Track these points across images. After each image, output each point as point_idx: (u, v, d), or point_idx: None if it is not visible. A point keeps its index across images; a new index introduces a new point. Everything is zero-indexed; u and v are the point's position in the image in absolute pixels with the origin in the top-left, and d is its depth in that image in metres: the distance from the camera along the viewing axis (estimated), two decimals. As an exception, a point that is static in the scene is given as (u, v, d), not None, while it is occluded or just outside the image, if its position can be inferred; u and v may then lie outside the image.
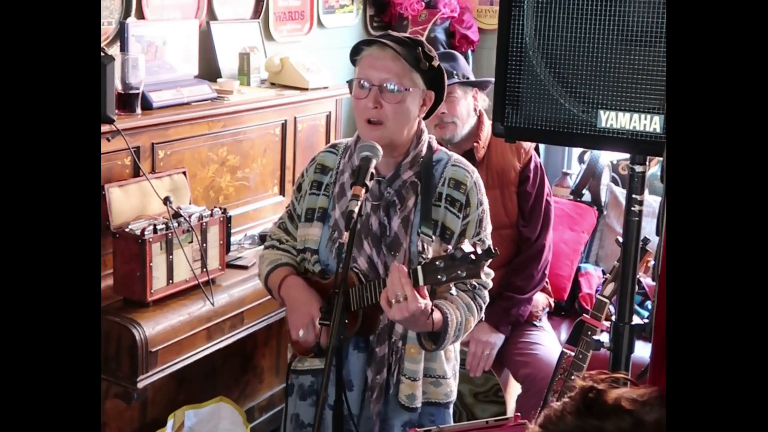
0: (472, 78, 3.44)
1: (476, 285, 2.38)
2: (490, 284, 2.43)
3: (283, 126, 3.74)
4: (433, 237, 2.32)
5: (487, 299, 2.43)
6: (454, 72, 3.31)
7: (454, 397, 2.50)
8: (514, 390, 3.49)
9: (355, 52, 2.36)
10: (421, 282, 2.08)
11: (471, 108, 3.36)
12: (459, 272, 2.05)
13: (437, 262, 2.07)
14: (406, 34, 2.38)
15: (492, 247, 2.07)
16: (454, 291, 2.29)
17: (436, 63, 2.35)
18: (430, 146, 2.42)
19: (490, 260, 2.06)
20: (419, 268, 2.09)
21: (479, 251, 2.03)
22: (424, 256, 2.27)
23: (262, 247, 2.77)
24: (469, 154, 3.32)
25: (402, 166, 2.35)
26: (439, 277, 2.06)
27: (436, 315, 2.23)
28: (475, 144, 3.34)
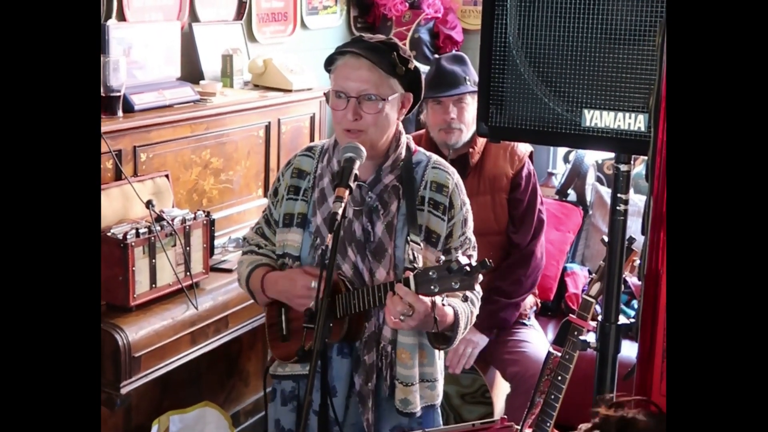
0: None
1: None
2: (480, 277, 2.41)
3: (267, 128, 3.72)
4: (421, 243, 2.30)
5: (480, 291, 2.44)
6: (466, 77, 3.29)
7: (441, 396, 2.49)
8: (501, 390, 3.48)
9: (329, 63, 2.34)
10: (412, 290, 2.08)
11: (475, 114, 3.34)
12: (453, 284, 2.05)
13: (431, 273, 2.06)
14: (380, 38, 2.34)
15: (487, 260, 2.06)
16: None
17: (412, 65, 2.33)
18: (408, 148, 2.40)
19: (483, 271, 2.06)
20: (411, 277, 2.08)
21: (474, 263, 2.03)
22: (415, 264, 2.25)
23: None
24: (464, 159, 3.31)
25: (383, 170, 2.33)
26: (432, 287, 2.06)
27: (448, 310, 2.23)
28: (470, 150, 3.33)
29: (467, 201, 2.41)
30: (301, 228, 2.39)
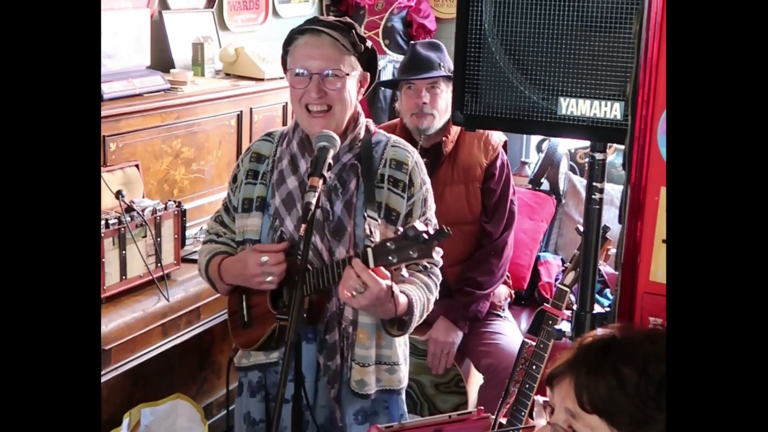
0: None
1: (428, 264, 2.36)
2: (440, 262, 2.40)
3: (239, 117, 3.68)
4: (379, 219, 2.28)
5: (440, 276, 2.42)
6: (441, 63, 3.28)
7: (406, 383, 2.47)
8: (475, 380, 3.48)
9: (288, 43, 2.32)
10: (371, 264, 2.05)
11: (449, 101, 3.33)
12: (410, 253, 2.02)
13: (388, 244, 2.04)
14: (336, 18, 2.35)
15: (444, 228, 2.04)
16: (405, 273, 2.25)
17: (369, 44, 2.34)
18: (368, 129, 2.39)
19: (441, 240, 2.03)
20: (369, 250, 2.06)
21: (431, 231, 2.00)
22: (372, 239, 2.24)
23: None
24: (437, 148, 3.30)
25: (341, 149, 2.31)
26: (390, 258, 2.03)
27: (402, 298, 2.20)
28: (444, 138, 3.31)
29: (428, 181, 2.40)
30: (261, 211, 2.37)
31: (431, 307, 2.37)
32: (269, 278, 2.24)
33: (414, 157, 2.38)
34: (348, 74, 2.27)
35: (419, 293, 2.28)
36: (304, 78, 2.26)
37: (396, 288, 2.17)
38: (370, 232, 2.26)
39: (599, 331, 1.33)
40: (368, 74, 2.37)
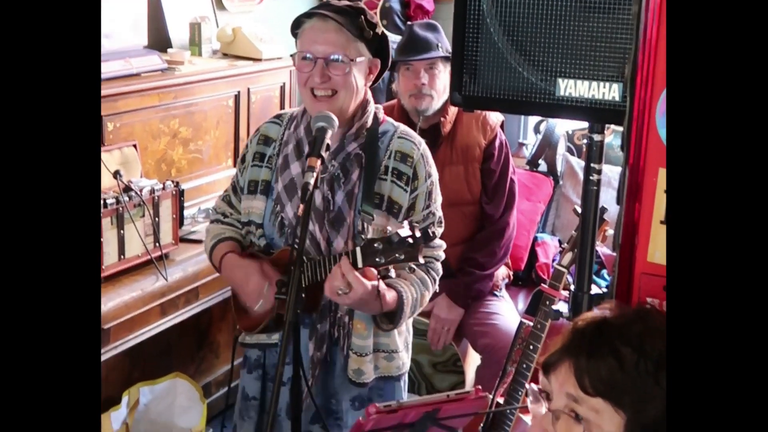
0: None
1: (429, 259, 2.35)
2: (442, 255, 2.41)
3: (236, 97, 3.68)
4: (378, 212, 2.28)
5: (440, 271, 2.41)
6: (438, 44, 3.28)
7: (406, 369, 2.49)
8: (472, 360, 3.50)
9: (296, 26, 2.32)
10: (360, 264, 2.06)
11: (447, 82, 3.32)
12: (397, 255, 2.03)
13: (375, 244, 2.04)
14: (347, 3, 2.33)
15: (429, 231, 2.05)
16: (392, 273, 2.26)
17: (379, 30, 2.32)
18: (376, 117, 2.38)
19: (439, 240, 2.04)
20: (358, 249, 2.06)
21: (417, 234, 2.01)
22: (363, 235, 2.24)
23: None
24: (436, 129, 3.30)
25: (347, 138, 2.31)
26: (377, 259, 2.04)
27: (391, 294, 2.21)
28: (442, 119, 3.31)
29: (434, 174, 2.39)
30: (265, 195, 2.37)
31: (426, 302, 2.37)
32: (260, 304, 2.26)
33: (420, 149, 2.36)
34: (354, 60, 2.25)
35: (412, 289, 2.28)
36: (310, 62, 2.25)
37: (383, 287, 2.16)
38: (363, 228, 2.26)
39: (589, 315, 1.33)
40: (378, 61, 2.35)
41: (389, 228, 2.16)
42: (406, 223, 2.12)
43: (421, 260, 2.07)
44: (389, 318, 2.27)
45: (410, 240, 1.99)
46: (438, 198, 2.39)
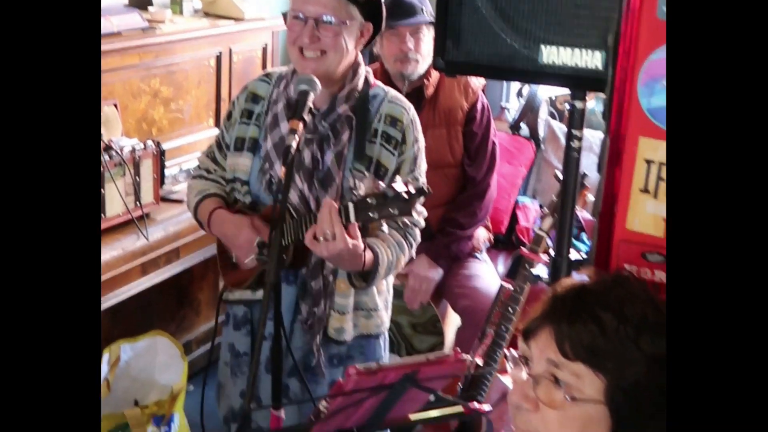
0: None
1: (408, 223, 2.37)
2: (422, 223, 2.42)
3: (218, 57, 3.65)
4: (366, 174, 2.29)
5: (419, 238, 2.43)
6: (423, 8, 3.26)
7: (385, 327, 2.52)
8: (452, 321, 3.53)
9: None
10: (352, 219, 2.06)
11: (431, 46, 3.31)
12: (391, 210, 2.03)
13: (369, 200, 2.05)
14: None
15: (424, 186, 2.05)
16: (385, 228, 2.28)
17: None
18: (366, 80, 2.38)
19: (422, 199, 2.05)
20: (351, 204, 2.07)
21: (412, 190, 2.01)
22: (355, 192, 2.25)
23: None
24: (418, 92, 3.30)
25: (338, 100, 2.31)
26: (370, 214, 2.04)
27: (368, 254, 2.22)
28: (425, 82, 3.31)
29: (421, 139, 2.40)
30: (252, 153, 2.37)
31: (401, 265, 2.38)
32: (251, 258, 2.26)
33: (410, 114, 2.37)
34: (345, 23, 2.25)
35: (389, 251, 2.29)
36: (300, 21, 2.24)
37: (360, 246, 2.15)
38: (355, 186, 2.27)
39: (568, 281, 1.35)
40: (371, 25, 2.34)
41: (382, 184, 2.17)
42: (399, 178, 2.12)
43: (415, 215, 2.06)
44: (363, 277, 2.29)
45: (405, 195, 2.00)
46: (423, 164, 2.40)
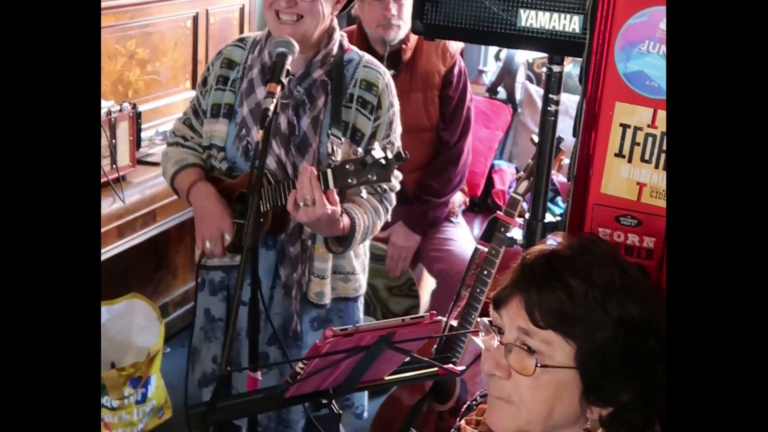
0: None
1: (385, 188, 2.38)
2: (398, 187, 2.43)
3: (195, 19, 3.62)
4: (343, 139, 2.29)
5: (394, 202, 2.44)
6: None
7: (362, 291, 2.54)
8: (427, 284, 3.56)
9: None
10: (331, 185, 2.07)
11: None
12: (369, 176, 2.04)
13: (347, 166, 2.05)
14: None
15: (402, 152, 2.06)
16: (364, 194, 2.29)
17: None
18: (341, 45, 2.37)
19: (399, 164, 2.06)
20: (329, 171, 2.07)
21: (390, 156, 2.02)
22: (333, 158, 2.25)
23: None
24: (396, 55, 3.28)
25: (312, 65, 2.30)
26: (349, 180, 2.05)
27: (345, 219, 2.23)
28: (403, 46, 3.29)
29: (396, 103, 2.40)
30: (228, 119, 2.36)
31: (377, 230, 2.40)
32: (207, 247, 2.28)
33: (385, 78, 2.37)
34: None
35: (365, 217, 2.31)
36: None
37: (338, 212, 2.16)
38: (332, 151, 2.27)
39: (537, 248, 1.35)
40: None
41: (352, 155, 2.17)
42: (377, 143, 2.13)
43: (394, 180, 2.07)
44: (339, 242, 2.31)
45: (383, 161, 2.01)
46: (398, 128, 2.41)
